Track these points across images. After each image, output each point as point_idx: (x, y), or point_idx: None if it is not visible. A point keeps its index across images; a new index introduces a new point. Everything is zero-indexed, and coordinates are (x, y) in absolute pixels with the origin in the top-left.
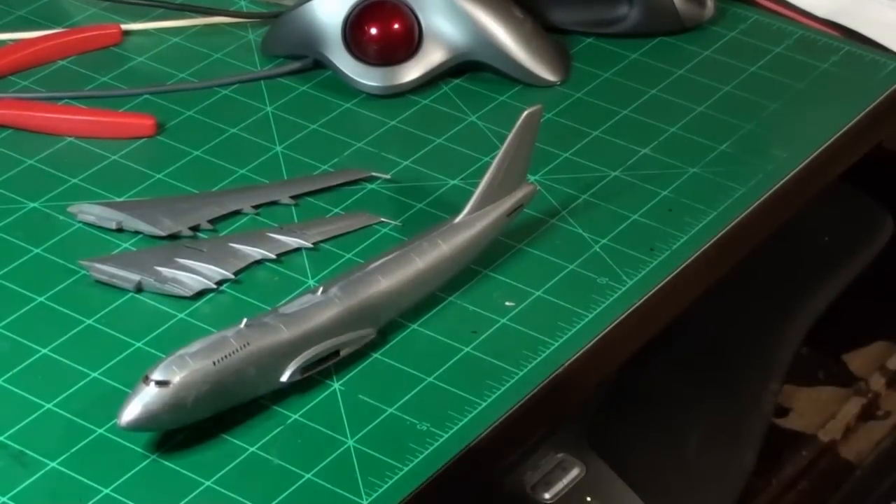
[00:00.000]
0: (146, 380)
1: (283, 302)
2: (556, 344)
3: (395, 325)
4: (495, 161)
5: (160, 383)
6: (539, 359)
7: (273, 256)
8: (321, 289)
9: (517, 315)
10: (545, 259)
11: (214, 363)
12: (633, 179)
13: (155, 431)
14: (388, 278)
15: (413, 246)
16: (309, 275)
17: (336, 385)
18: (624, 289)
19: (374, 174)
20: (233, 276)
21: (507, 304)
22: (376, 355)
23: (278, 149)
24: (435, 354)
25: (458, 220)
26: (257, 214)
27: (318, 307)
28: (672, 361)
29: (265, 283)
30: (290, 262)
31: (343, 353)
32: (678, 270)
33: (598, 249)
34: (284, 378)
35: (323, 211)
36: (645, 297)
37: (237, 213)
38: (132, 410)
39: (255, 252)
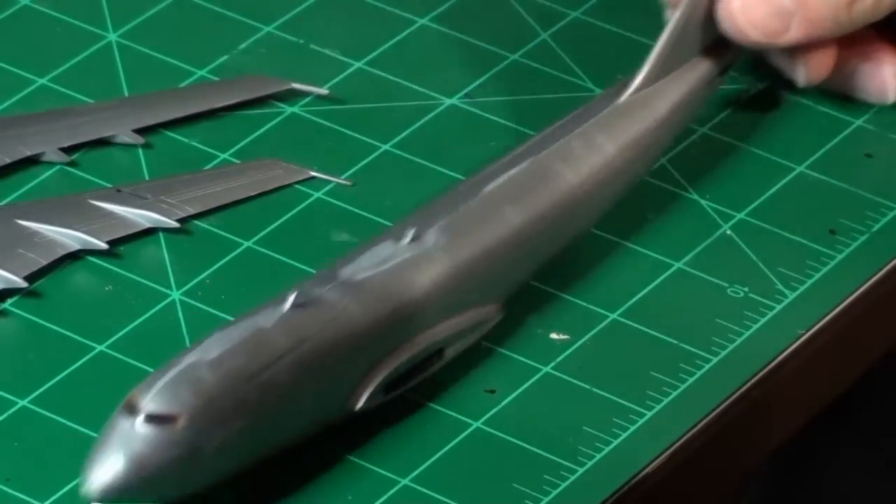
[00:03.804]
0: (131, 410)
1: (341, 258)
2: (647, 416)
3: None
4: None
5: (158, 419)
6: (616, 443)
7: (102, 245)
8: (410, 232)
9: (572, 359)
10: (623, 248)
11: (251, 378)
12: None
13: None
14: (521, 207)
15: (553, 149)
16: (172, 280)
17: None
18: (779, 308)
19: (296, 86)
20: (24, 284)
21: (553, 336)
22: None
23: (112, 37)
24: (410, 434)
25: (628, 93)
26: (71, 164)
27: (409, 267)
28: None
29: (87, 295)
30: (136, 255)
31: (449, 352)
32: (887, 268)
33: (729, 231)
34: (360, 402)
35: (199, 158)
36: (821, 323)
37: (32, 161)
38: (108, 470)
39: (68, 237)
